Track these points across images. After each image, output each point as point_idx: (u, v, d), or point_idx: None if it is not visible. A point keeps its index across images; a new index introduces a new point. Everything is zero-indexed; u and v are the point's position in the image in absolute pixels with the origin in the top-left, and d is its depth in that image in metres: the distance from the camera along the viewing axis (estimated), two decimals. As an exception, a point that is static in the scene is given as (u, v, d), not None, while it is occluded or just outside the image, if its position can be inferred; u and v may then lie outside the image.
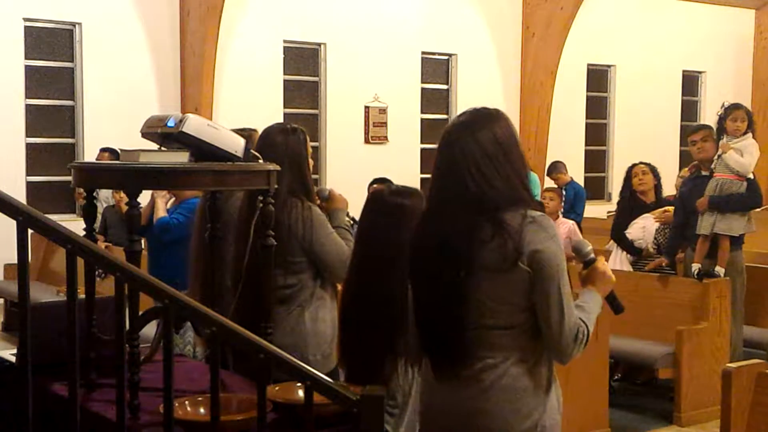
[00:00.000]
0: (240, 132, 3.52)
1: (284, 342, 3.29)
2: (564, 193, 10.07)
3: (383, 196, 3.20)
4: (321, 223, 3.58)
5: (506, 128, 2.57)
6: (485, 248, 2.45)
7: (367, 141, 13.13)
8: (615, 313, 2.81)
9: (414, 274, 2.65)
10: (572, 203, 10.49)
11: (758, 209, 7.11)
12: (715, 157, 6.52)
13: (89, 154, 10.42)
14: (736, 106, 6.59)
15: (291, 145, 3.58)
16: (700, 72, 16.69)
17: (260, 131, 3.83)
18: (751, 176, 6.49)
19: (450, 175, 2.54)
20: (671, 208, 6.91)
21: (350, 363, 3.13)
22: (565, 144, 14.34)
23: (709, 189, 6.45)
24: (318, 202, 3.72)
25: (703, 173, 6.66)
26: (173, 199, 5.45)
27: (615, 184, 15.44)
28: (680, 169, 13.16)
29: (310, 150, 3.72)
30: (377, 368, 3.03)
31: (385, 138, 13.27)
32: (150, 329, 2.87)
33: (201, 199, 4.37)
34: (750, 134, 6.51)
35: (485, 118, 2.57)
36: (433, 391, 2.61)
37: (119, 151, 2.95)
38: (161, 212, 5.41)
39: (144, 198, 2.92)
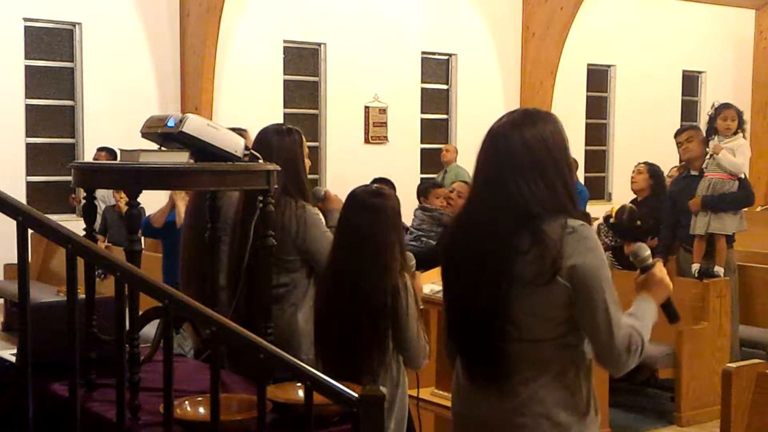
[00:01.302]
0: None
1: (276, 341, 3.29)
2: None
3: (360, 195, 3.26)
4: (314, 221, 3.61)
5: (556, 132, 2.43)
6: (521, 260, 2.33)
7: (367, 141, 13.14)
8: (670, 322, 2.68)
9: (450, 280, 2.54)
10: None
11: (758, 209, 7.11)
12: (707, 157, 6.54)
13: (89, 154, 10.41)
14: (726, 106, 6.61)
15: (285, 146, 3.60)
16: (700, 72, 16.69)
17: (256, 131, 3.85)
18: (742, 176, 6.51)
19: (492, 178, 2.41)
20: (613, 209, 7.02)
21: (331, 361, 3.16)
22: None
23: (701, 189, 6.47)
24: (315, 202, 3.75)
25: (693, 173, 6.69)
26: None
27: (615, 184, 15.45)
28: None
29: (306, 150, 3.74)
30: (358, 365, 3.06)
31: (385, 138, 13.27)
32: (150, 329, 2.87)
33: (190, 200, 4.37)
34: (741, 134, 6.54)
35: (535, 119, 2.44)
36: (469, 398, 2.52)
37: (119, 151, 2.94)
38: (183, 215, 5.33)
39: (143, 198, 2.91)
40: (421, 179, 13.31)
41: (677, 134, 6.88)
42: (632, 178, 7.24)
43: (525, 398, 2.40)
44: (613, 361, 2.41)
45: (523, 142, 2.38)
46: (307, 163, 3.76)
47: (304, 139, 3.75)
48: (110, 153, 8.89)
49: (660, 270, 2.58)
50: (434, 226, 7.01)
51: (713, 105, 6.71)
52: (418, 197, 8.05)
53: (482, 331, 2.42)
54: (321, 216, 3.69)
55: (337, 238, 3.30)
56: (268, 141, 3.62)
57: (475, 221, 2.44)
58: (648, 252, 2.61)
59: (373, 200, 3.22)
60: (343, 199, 3.70)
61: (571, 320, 2.38)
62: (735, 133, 6.50)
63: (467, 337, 2.48)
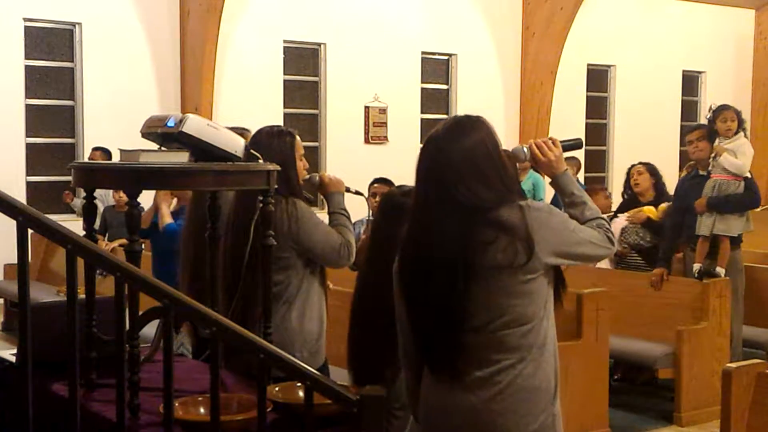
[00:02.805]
0: (233, 130, 3.54)
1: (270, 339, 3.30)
2: None
3: (393, 195, 3.23)
4: (306, 216, 3.62)
5: (488, 135, 2.57)
6: (490, 249, 2.44)
7: (367, 141, 13.13)
8: (579, 148, 3.00)
9: (407, 284, 2.61)
10: None
11: (758, 209, 7.12)
12: (711, 159, 6.54)
13: (89, 154, 10.42)
14: (724, 107, 6.63)
15: (274, 148, 3.60)
16: (700, 72, 16.69)
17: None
18: (748, 176, 6.51)
19: (437, 188, 2.53)
20: (647, 209, 6.94)
21: (355, 366, 3.14)
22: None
23: (707, 190, 6.47)
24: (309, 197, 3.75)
25: (701, 173, 6.68)
26: (175, 200, 5.43)
27: (615, 184, 15.45)
28: (680, 169, 13.18)
29: (301, 151, 3.75)
30: (379, 371, 3.03)
31: (385, 138, 13.27)
32: (150, 329, 2.87)
33: (191, 200, 4.37)
34: (742, 134, 6.54)
35: (467, 128, 2.57)
36: (441, 393, 2.58)
37: (119, 151, 2.94)
38: (167, 218, 5.37)
39: (144, 199, 2.91)
40: (421, 179, 13.32)
41: (690, 132, 6.86)
42: (634, 180, 7.18)
43: (503, 386, 2.49)
44: (609, 254, 2.77)
45: (459, 152, 2.52)
46: (304, 164, 3.77)
47: (299, 141, 3.75)
48: (105, 153, 8.92)
49: (535, 146, 2.80)
50: None
51: (710, 108, 6.71)
52: None
53: (446, 327, 2.50)
54: (312, 210, 3.69)
55: (370, 244, 3.24)
56: (260, 142, 3.63)
57: (428, 227, 2.54)
58: (520, 146, 2.82)
59: (392, 202, 3.16)
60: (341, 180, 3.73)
61: (539, 300, 2.51)
62: (736, 133, 6.51)
63: (430, 336, 2.55)
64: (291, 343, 3.55)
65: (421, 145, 2.63)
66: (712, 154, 6.52)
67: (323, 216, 3.82)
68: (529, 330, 2.50)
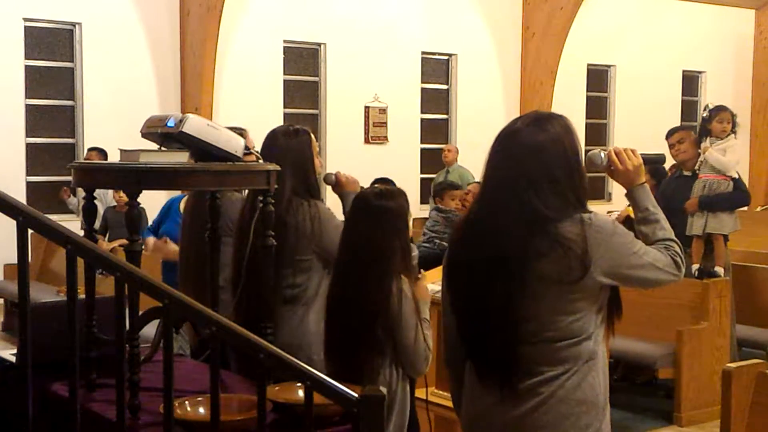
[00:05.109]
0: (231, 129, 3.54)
1: (288, 341, 3.29)
2: None
3: (368, 198, 3.24)
4: (328, 218, 3.59)
5: (567, 135, 2.45)
6: (543, 260, 2.35)
7: (367, 141, 13.14)
8: (663, 162, 2.94)
9: (457, 283, 2.54)
10: None
11: (758, 209, 7.12)
12: (700, 159, 6.56)
13: (85, 154, 10.42)
14: (722, 108, 6.67)
15: (293, 147, 3.59)
16: (700, 72, 16.69)
17: (257, 131, 3.85)
18: (735, 176, 6.52)
19: (503, 184, 2.43)
20: (628, 208, 6.93)
21: (334, 361, 3.16)
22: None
23: (697, 190, 6.49)
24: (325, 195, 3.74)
25: (685, 173, 6.70)
26: (185, 197, 5.39)
27: (615, 185, 15.43)
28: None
29: (317, 149, 3.72)
30: (360, 367, 3.06)
31: (385, 138, 13.27)
32: (150, 329, 2.87)
33: (188, 200, 4.36)
34: (732, 136, 6.57)
35: (545, 123, 2.45)
36: (483, 401, 2.51)
37: (119, 150, 2.94)
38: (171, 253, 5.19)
39: (145, 198, 2.91)
40: (421, 179, 13.33)
41: (668, 136, 6.88)
42: None
43: (545, 397, 2.41)
44: (676, 281, 2.52)
45: (533, 148, 2.40)
46: (319, 162, 3.75)
47: (313, 139, 3.72)
48: (101, 153, 8.96)
49: (620, 150, 2.62)
50: (448, 227, 7.00)
51: (706, 107, 6.74)
52: (434, 198, 8.05)
53: (498, 333, 2.41)
54: (332, 211, 3.67)
55: (342, 239, 3.28)
56: (277, 143, 3.61)
57: (487, 225, 2.44)
58: (601, 152, 2.65)
59: (375, 203, 3.19)
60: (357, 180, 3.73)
61: (589, 316, 2.41)
62: (728, 135, 6.55)
63: (481, 340, 2.47)
64: (309, 345, 3.52)
65: (495, 137, 2.50)
66: (701, 155, 6.54)
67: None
68: (576, 343, 2.41)
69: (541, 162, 2.39)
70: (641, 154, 2.64)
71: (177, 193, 5.45)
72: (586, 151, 2.57)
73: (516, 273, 2.36)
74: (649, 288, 2.56)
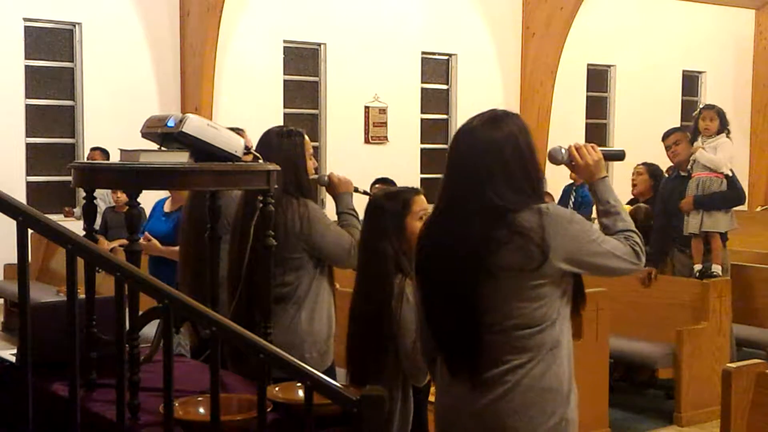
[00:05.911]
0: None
1: (279, 340, 3.29)
2: (574, 194, 9.77)
3: (376, 198, 3.26)
4: (318, 217, 3.62)
5: (522, 132, 2.55)
6: (504, 249, 2.43)
7: (367, 141, 13.13)
8: (621, 159, 2.91)
9: (425, 276, 2.62)
10: (578, 206, 9.66)
11: (758, 209, 7.12)
12: (691, 159, 6.57)
13: (88, 154, 10.41)
14: (707, 107, 6.75)
15: (284, 147, 3.62)
16: (700, 72, 16.69)
17: (256, 131, 3.86)
18: (728, 173, 6.53)
19: (463, 183, 2.53)
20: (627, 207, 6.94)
21: (354, 363, 3.14)
22: (565, 144, 14.31)
23: (691, 189, 6.50)
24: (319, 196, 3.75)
25: (681, 174, 6.71)
26: (169, 198, 5.40)
27: (615, 185, 15.40)
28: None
29: (310, 150, 3.75)
30: (374, 370, 3.03)
31: (385, 138, 13.27)
32: (150, 329, 2.87)
33: (188, 200, 4.36)
34: (723, 134, 6.57)
35: (500, 121, 2.55)
36: (452, 392, 2.58)
37: (119, 150, 2.94)
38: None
39: (144, 198, 2.91)
40: (422, 179, 13.32)
41: (664, 138, 6.89)
42: (632, 180, 7.21)
43: (511, 385, 2.48)
44: (636, 270, 2.62)
45: (489, 145, 2.51)
46: (313, 163, 3.77)
47: (307, 140, 3.75)
48: (104, 153, 8.95)
49: (574, 149, 2.74)
50: None
51: (698, 107, 6.77)
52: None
53: (464, 324, 2.50)
54: (323, 211, 3.69)
55: (360, 245, 3.30)
56: (269, 142, 3.65)
57: (449, 218, 2.54)
58: (561, 148, 2.76)
59: (374, 204, 3.19)
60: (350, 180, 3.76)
61: (551, 302, 2.49)
62: (719, 133, 6.54)
63: (448, 332, 2.55)
64: (301, 344, 3.54)
65: (454, 135, 2.63)
66: (692, 154, 6.55)
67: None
68: (540, 331, 2.49)
69: (496, 157, 2.49)
70: (601, 150, 2.76)
71: (165, 193, 5.48)
72: (607, 157, 2.72)
73: (478, 263, 2.45)
74: (611, 276, 2.65)
